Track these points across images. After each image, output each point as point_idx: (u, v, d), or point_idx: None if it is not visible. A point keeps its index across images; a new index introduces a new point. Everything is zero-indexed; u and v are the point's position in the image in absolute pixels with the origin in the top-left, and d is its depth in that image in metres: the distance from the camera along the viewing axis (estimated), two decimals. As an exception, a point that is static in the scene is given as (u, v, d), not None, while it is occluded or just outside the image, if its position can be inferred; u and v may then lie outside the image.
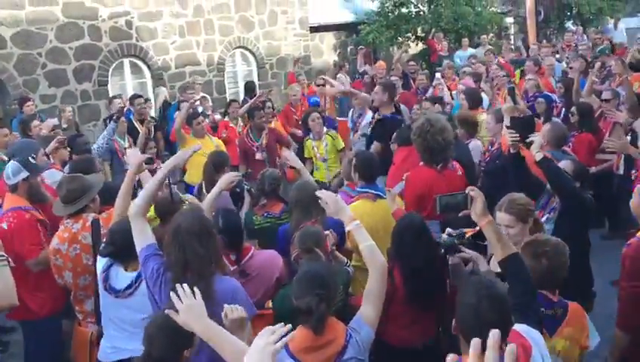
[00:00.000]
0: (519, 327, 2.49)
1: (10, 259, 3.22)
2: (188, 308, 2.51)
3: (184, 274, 2.86)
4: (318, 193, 3.16)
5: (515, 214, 3.49)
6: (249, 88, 11.92)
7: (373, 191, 4.57)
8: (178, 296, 2.53)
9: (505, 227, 3.43)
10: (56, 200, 4.34)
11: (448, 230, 3.52)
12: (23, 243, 4.37)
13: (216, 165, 5.50)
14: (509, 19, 21.54)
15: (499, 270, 3.32)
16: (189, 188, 6.70)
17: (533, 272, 2.92)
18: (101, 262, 3.58)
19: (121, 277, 3.49)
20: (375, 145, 6.24)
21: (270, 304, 3.51)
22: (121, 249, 3.47)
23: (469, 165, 5.39)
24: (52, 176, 5.51)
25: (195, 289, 2.56)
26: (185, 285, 2.58)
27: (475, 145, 6.26)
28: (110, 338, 3.63)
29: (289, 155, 4.66)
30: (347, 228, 3.12)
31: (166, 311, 2.60)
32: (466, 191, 2.81)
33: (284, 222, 4.38)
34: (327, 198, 3.10)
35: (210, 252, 2.97)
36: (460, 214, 3.05)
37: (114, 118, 7.13)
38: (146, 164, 4.07)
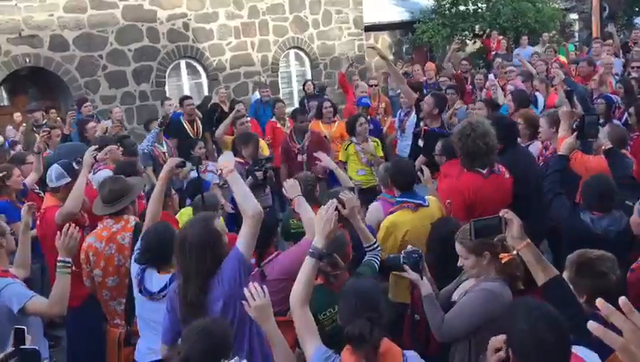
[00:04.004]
0: (577, 350, 2.33)
1: (73, 265, 3.48)
2: (260, 307, 2.70)
3: (186, 283, 2.92)
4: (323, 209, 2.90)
5: (466, 246, 3.18)
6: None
7: (413, 201, 4.44)
8: (251, 294, 2.71)
9: (460, 258, 3.22)
10: (96, 199, 4.46)
11: (409, 247, 3.39)
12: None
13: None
14: (573, 16, 20.78)
15: (455, 298, 3.25)
16: None
17: (599, 291, 2.69)
18: (135, 267, 3.66)
19: (155, 279, 3.56)
20: (420, 159, 6.06)
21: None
22: (156, 254, 3.54)
23: (524, 170, 4.97)
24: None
25: (265, 288, 2.73)
26: (256, 284, 2.76)
27: (535, 148, 5.91)
28: (146, 339, 3.71)
29: (324, 157, 4.59)
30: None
31: (242, 302, 2.75)
32: (501, 214, 2.70)
33: None
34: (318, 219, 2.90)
35: (209, 265, 2.99)
36: (496, 239, 2.94)
37: (158, 124, 7.31)
38: (177, 167, 4.16)
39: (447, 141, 5.38)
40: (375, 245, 3.68)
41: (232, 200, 5.79)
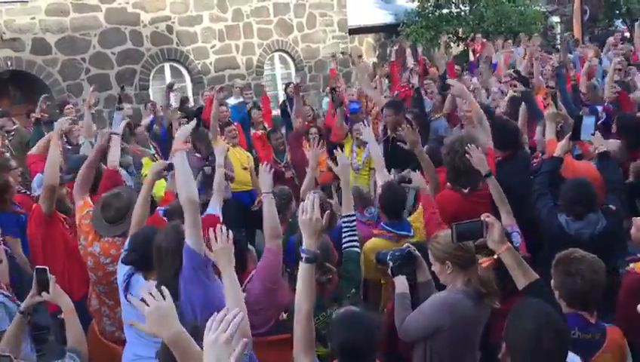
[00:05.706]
0: None
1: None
2: (222, 250, 2.65)
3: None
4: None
5: (432, 252, 3.17)
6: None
7: (396, 232, 4.22)
8: (215, 237, 2.67)
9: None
10: (96, 219, 4.16)
11: (405, 245, 3.46)
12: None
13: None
14: (555, 19, 21.00)
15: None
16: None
17: (567, 292, 2.81)
18: (122, 271, 3.60)
19: (142, 286, 3.51)
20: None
21: (285, 316, 3.43)
22: (143, 255, 3.49)
23: (520, 177, 4.86)
24: None
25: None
26: (218, 227, 2.69)
27: None
28: (133, 345, 3.65)
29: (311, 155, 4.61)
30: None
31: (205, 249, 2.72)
32: (482, 218, 2.70)
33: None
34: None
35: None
36: (477, 243, 2.94)
37: (117, 103, 7.30)
38: (166, 170, 4.10)
39: (429, 149, 5.31)
40: (353, 217, 3.69)
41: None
